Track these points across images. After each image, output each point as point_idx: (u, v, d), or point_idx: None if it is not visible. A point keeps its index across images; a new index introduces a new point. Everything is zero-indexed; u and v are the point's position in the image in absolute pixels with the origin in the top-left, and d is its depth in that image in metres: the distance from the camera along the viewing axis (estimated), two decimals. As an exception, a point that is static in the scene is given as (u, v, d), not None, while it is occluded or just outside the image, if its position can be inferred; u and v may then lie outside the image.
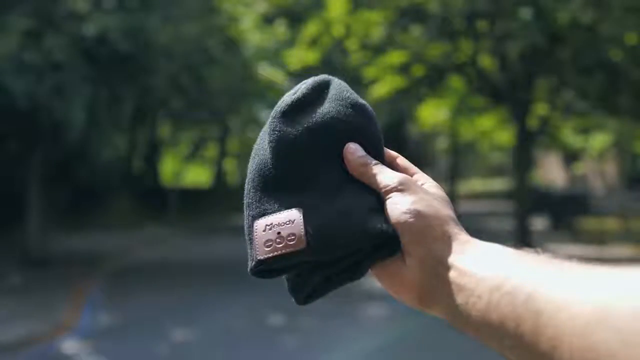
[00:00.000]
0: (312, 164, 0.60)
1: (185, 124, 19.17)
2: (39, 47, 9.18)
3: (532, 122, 12.03)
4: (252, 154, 0.64)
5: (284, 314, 7.17)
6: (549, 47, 10.15)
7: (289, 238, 0.56)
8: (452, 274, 0.51)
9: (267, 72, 15.42)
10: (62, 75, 9.35)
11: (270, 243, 0.56)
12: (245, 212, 0.61)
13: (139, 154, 22.66)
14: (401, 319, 6.74)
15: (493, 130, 17.56)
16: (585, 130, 15.98)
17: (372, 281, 0.66)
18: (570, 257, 0.47)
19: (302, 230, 0.56)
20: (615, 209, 17.08)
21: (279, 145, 0.60)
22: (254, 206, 0.60)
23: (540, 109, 12.56)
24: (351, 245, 0.56)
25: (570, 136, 16.86)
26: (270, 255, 0.56)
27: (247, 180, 0.63)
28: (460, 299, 0.50)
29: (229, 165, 28.54)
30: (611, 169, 20.08)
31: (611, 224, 16.41)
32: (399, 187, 0.57)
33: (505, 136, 17.21)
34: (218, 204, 22.34)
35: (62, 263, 10.90)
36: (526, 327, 0.45)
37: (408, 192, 0.56)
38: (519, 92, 11.25)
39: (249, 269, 0.58)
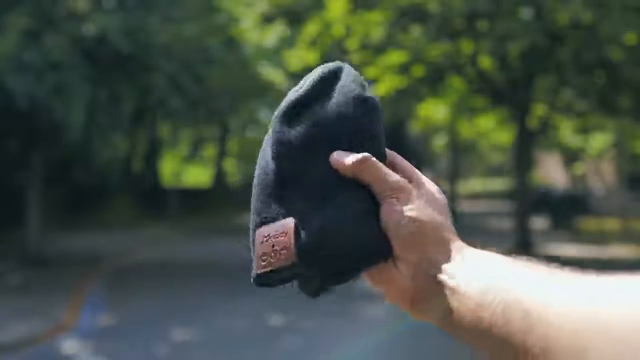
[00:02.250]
0: (310, 165, 0.58)
1: (185, 124, 19.16)
2: (39, 47, 9.18)
3: (532, 122, 12.03)
4: (259, 158, 0.63)
5: (284, 314, 7.17)
6: (549, 47, 10.14)
7: (281, 252, 0.56)
8: (445, 278, 0.52)
9: (267, 72, 15.42)
10: (62, 75, 9.35)
11: (266, 257, 0.56)
12: (250, 218, 0.61)
13: (138, 154, 22.66)
14: (401, 317, 6.73)
15: (493, 130, 17.56)
16: (585, 130, 15.98)
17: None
18: (561, 265, 0.48)
19: (293, 243, 0.55)
20: (615, 209, 17.10)
21: (278, 147, 0.59)
22: (256, 214, 0.60)
23: (540, 109, 12.56)
24: (343, 260, 0.55)
25: (570, 136, 16.87)
26: (263, 270, 0.56)
27: (253, 184, 0.62)
28: (452, 301, 0.51)
29: (229, 165, 28.54)
30: (611, 169, 20.08)
31: (611, 224, 16.42)
32: (396, 191, 0.56)
33: (505, 136, 17.21)
34: (218, 204, 22.33)
35: (62, 263, 10.90)
36: (515, 326, 0.45)
37: (404, 198, 0.56)
38: (519, 92, 11.26)
39: (252, 280, 0.58)
